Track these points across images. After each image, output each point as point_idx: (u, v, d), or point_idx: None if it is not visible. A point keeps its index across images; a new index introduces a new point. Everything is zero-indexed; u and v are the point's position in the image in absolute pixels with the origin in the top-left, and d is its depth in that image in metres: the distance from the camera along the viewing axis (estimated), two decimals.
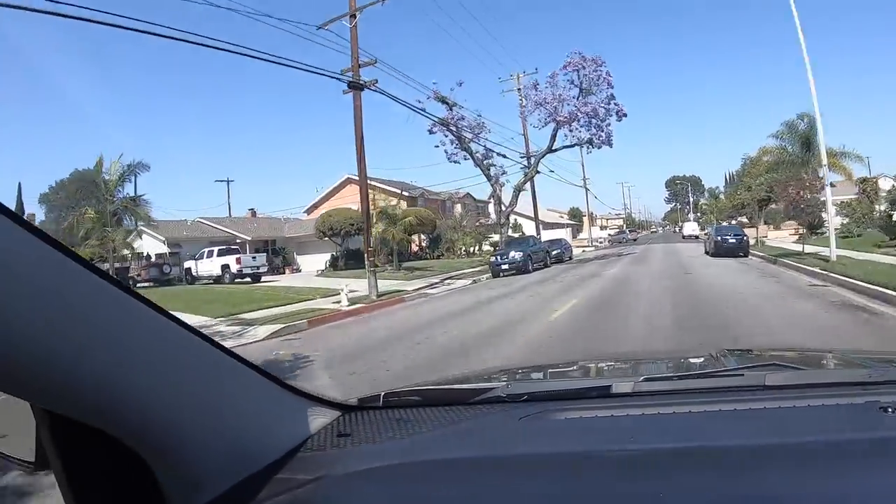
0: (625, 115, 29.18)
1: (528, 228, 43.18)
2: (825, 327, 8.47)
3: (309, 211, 48.67)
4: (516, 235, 41.39)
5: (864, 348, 5.37)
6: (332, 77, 18.58)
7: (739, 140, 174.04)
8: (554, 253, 33.23)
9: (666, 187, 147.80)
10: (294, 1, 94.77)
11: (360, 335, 11.85)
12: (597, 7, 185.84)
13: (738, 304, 11.01)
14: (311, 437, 1.24)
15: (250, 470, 1.04)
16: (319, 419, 1.32)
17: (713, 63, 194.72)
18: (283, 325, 13.80)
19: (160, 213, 40.02)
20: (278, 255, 43.82)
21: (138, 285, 30.49)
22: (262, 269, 32.73)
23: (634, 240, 71.62)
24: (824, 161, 19.36)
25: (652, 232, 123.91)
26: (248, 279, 31.80)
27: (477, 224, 47.39)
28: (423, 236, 43.81)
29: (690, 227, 66.05)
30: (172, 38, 12.78)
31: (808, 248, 22.24)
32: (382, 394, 1.53)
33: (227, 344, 1.24)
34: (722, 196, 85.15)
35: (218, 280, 31.71)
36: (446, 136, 28.93)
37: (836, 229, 20.82)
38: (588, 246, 62.08)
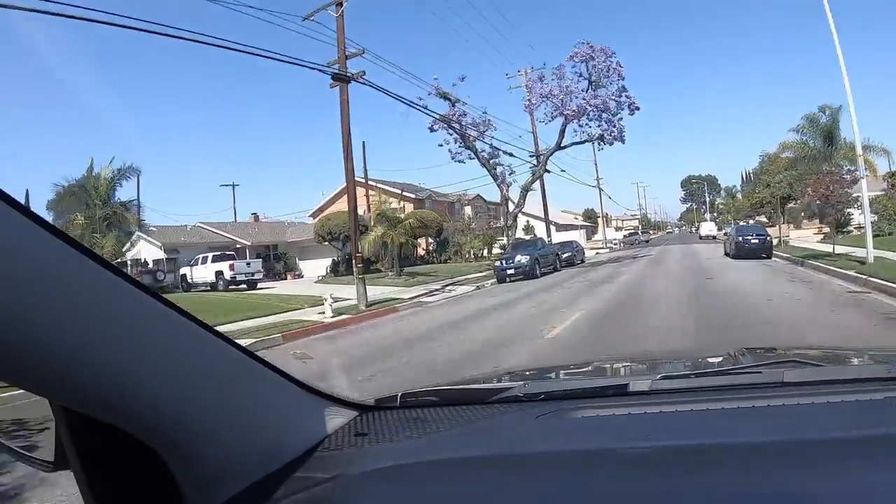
0: (637, 108, 27.47)
1: (541, 230, 41.45)
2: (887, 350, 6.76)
3: (314, 215, 47.31)
4: (528, 237, 39.79)
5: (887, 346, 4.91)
6: (317, 69, 17.15)
7: (756, 139, 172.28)
8: (564, 256, 31.51)
9: (681, 187, 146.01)
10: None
11: (326, 354, 10.55)
12: (609, 8, 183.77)
13: (772, 318, 9.26)
14: (328, 436, 1.24)
15: (268, 469, 1.04)
16: (337, 419, 1.33)
17: (728, 61, 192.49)
18: (255, 340, 12.42)
19: (164, 219, 38.93)
20: (280, 260, 42.51)
21: None
22: (256, 276, 31.37)
23: (647, 241, 69.72)
24: (859, 151, 17.53)
25: (668, 232, 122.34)
26: (244, 286, 30.51)
27: (487, 227, 45.65)
28: (430, 240, 42.30)
29: (707, 228, 64.43)
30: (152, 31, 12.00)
31: (838, 249, 20.46)
32: (399, 394, 1.53)
33: None
34: (739, 195, 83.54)
35: (213, 287, 30.39)
36: (450, 135, 27.46)
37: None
38: (602, 248, 60.61)
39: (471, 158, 28.34)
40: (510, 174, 29.55)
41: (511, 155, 29.17)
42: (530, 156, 32.39)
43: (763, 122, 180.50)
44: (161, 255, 36.23)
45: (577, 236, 59.03)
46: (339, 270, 34.15)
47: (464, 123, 27.01)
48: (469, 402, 1.47)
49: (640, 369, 2.15)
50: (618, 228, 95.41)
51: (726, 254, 26.78)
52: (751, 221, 45.23)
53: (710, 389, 1.37)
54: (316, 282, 31.39)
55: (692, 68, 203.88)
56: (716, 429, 1.15)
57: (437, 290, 22.76)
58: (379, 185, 39.65)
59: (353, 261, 18.20)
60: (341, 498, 1.04)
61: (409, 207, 42.99)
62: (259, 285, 31.26)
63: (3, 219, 0.65)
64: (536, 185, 33.45)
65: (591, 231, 78.21)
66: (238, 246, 40.13)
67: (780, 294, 12.20)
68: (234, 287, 30.02)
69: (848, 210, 24.98)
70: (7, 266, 0.64)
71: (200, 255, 32.87)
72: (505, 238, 32.47)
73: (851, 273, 14.20)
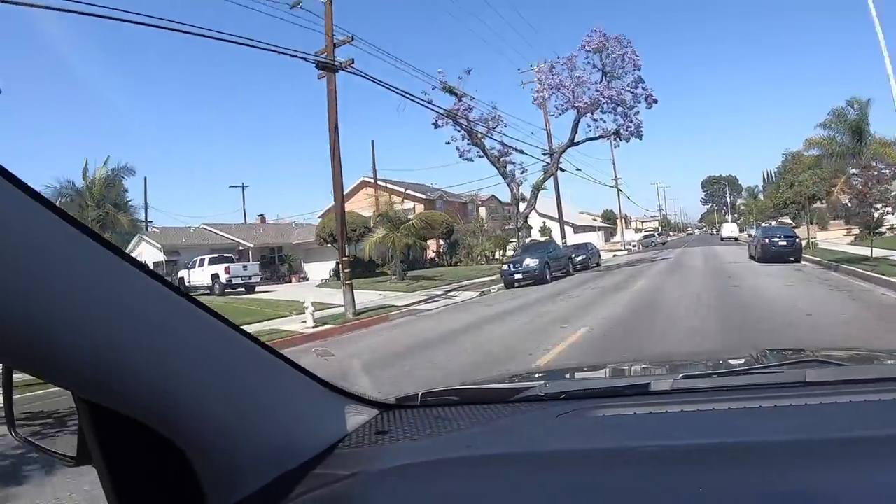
0: (655, 100, 25.70)
1: (558, 231, 39.75)
2: None
3: (324, 216, 45.99)
4: (543, 239, 38.14)
5: None
6: (301, 57, 15.72)
7: (778, 139, 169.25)
8: (578, 259, 29.76)
9: (702, 187, 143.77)
10: None
11: None
12: (627, 9, 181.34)
13: (820, 343, 7.32)
14: (349, 434, 1.25)
15: (290, 465, 1.05)
16: (358, 417, 1.33)
17: (749, 60, 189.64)
18: None
19: (172, 220, 37.79)
20: (284, 262, 41.23)
21: None
22: (254, 279, 30.01)
23: (663, 244, 67.62)
24: None
25: (688, 234, 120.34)
26: (242, 289, 29.31)
27: (501, 228, 43.90)
28: (440, 241, 40.76)
29: (729, 229, 62.35)
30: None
31: (876, 252, 18.67)
32: (420, 393, 1.53)
33: None
34: (761, 195, 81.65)
35: (211, 290, 29.09)
36: (458, 131, 25.92)
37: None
38: (621, 250, 58.86)
39: (479, 156, 26.80)
40: (521, 172, 27.96)
41: (522, 152, 27.54)
42: (543, 154, 30.66)
43: (785, 121, 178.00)
44: (161, 257, 35.17)
45: (596, 238, 57.51)
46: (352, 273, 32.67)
47: (470, 119, 25.41)
48: (490, 402, 1.46)
49: (661, 369, 2.10)
50: (637, 230, 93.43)
51: (751, 257, 24.93)
52: (773, 223, 43.45)
53: (732, 389, 1.36)
54: (318, 285, 30.04)
55: (713, 67, 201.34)
56: (737, 428, 1.14)
57: (437, 296, 21.23)
58: (389, 186, 38.32)
59: (340, 266, 16.79)
60: (361, 495, 1.04)
61: (420, 208, 41.60)
62: (258, 289, 30.01)
63: (40, 219, 0.67)
64: (550, 184, 31.85)
65: (609, 233, 76.51)
66: (241, 248, 38.99)
67: (821, 307, 10.45)
68: (231, 291, 28.81)
69: (888, 209, 22.97)
70: (45, 267, 0.65)
71: (199, 258, 31.64)
72: (516, 239, 30.77)
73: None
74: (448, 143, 26.25)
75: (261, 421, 0.98)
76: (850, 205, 26.29)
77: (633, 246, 65.15)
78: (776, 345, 6.75)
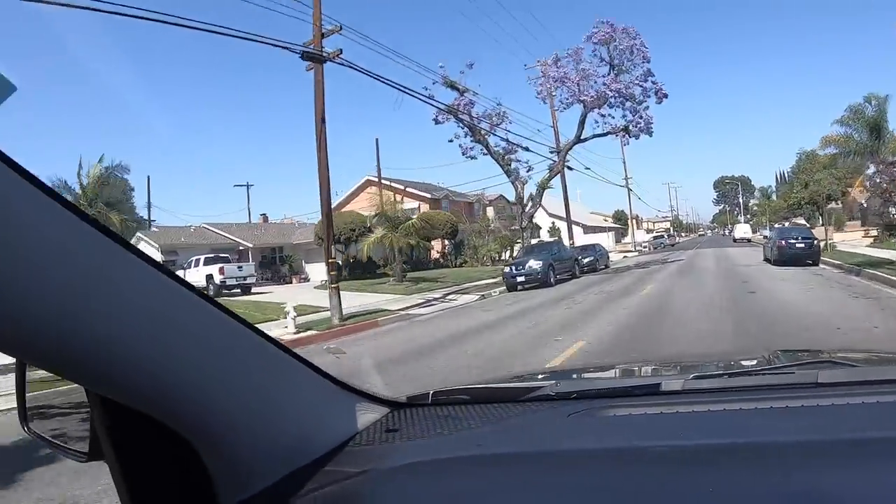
0: (665, 95, 24.51)
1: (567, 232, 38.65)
2: None
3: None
4: (549, 240, 37.06)
5: None
6: (286, 48, 14.73)
7: (791, 139, 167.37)
8: (585, 261, 28.63)
9: (714, 188, 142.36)
10: None
11: None
12: (638, 8, 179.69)
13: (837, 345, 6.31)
14: (359, 432, 1.24)
15: (301, 462, 1.04)
16: (369, 415, 1.32)
17: (762, 60, 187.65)
18: None
19: (175, 219, 37.04)
20: (285, 262, 40.34)
21: None
22: (249, 280, 29.13)
23: (672, 245, 66.30)
24: None
25: (699, 235, 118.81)
26: (238, 290, 28.53)
27: (509, 228, 42.76)
28: (445, 242, 39.76)
29: (742, 230, 61.19)
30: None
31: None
32: (431, 392, 1.52)
33: None
34: (774, 196, 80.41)
35: (205, 292, 28.13)
36: (461, 128, 24.88)
37: None
38: (631, 251, 57.71)
39: (483, 154, 25.76)
40: (527, 171, 26.87)
41: (527, 149, 26.39)
42: (550, 152, 29.50)
43: (799, 121, 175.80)
44: (158, 257, 34.40)
45: (606, 239, 56.50)
46: (341, 275, 31.81)
47: (473, 115, 24.37)
48: (500, 401, 1.45)
49: (672, 370, 2.09)
50: (648, 230, 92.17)
51: (766, 259, 23.76)
52: (786, 224, 42.25)
53: (744, 389, 1.35)
54: (316, 287, 29.16)
55: (725, 66, 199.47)
56: (749, 428, 1.12)
57: (435, 299, 20.23)
58: (393, 185, 37.42)
59: (327, 267, 15.80)
60: (371, 492, 1.04)
61: (424, 207, 40.69)
62: (255, 290, 29.26)
63: (57, 217, 0.67)
64: (557, 183, 30.74)
65: (620, 233, 75.33)
66: (241, 248, 38.22)
67: (850, 319, 9.27)
68: (226, 292, 27.96)
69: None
70: (57, 262, 0.65)
71: (194, 258, 30.80)
72: (521, 240, 29.67)
73: None
74: (451, 140, 25.27)
75: (271, 417, 0.97)
76: (866, 205, 25.14)
77: (644, 247, 64.01)
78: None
